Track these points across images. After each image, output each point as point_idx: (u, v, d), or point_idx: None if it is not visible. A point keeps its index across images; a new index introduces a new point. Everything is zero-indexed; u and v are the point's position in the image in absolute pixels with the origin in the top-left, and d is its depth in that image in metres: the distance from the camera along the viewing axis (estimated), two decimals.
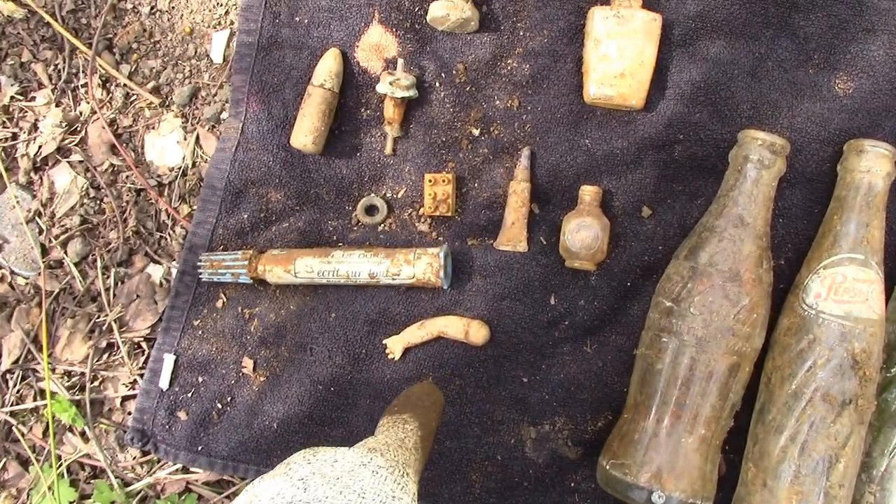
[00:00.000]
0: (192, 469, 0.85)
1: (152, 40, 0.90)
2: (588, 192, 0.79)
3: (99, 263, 0.87)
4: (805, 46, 0.80)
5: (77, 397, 0.87)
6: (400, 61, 0.82)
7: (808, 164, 0.78)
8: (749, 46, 0.80)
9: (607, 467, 0.72)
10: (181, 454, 0.83)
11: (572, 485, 0.78)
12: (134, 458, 0.86)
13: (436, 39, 0.83)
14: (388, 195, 0.84)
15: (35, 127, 0.90)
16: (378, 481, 0.54)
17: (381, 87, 0.81)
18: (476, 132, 0.83)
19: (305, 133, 0.81)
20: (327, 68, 0.82)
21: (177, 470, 0.85)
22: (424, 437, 0.63)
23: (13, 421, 0.87)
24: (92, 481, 0.87)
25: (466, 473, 0.79)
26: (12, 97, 0.91)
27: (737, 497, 0.73)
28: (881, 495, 0.71)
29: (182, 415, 0.84)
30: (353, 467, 0.54)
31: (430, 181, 0.81)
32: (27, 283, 0.89)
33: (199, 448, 0.83)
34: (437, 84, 0.83)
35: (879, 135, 0.78)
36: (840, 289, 0.71)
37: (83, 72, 0.91)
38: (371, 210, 0.84)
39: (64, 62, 0.91)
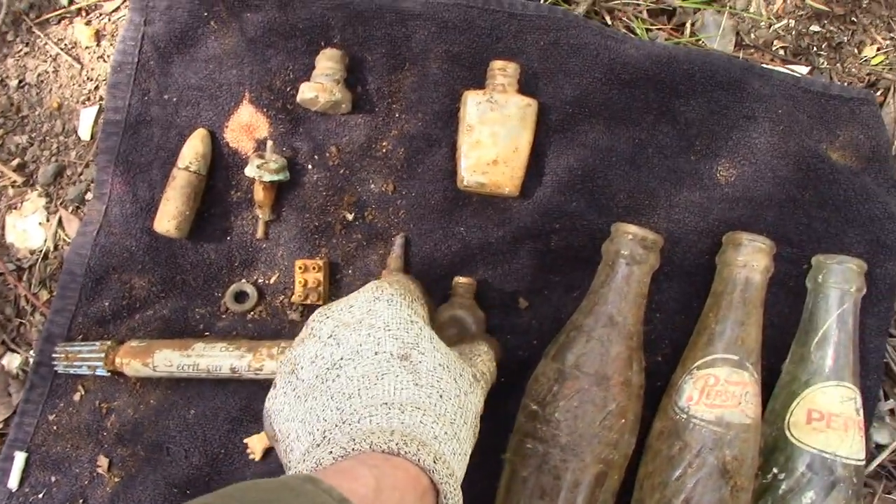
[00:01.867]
0: None
1: (20, 115, 0.86)
2: (461, 285, 0.76)
3: None
4: (686, 132, 0.78)
5: None
6: (269, 143, 0.78)
7: (687, 256, 0.76)
8: (629, 132, 0.78)
9: None
10: None
11: None
12: None
13: (308, 120, 0.80)
14: (259, 281, 0.80)
15: None
16: (394, 309, 0.58)
17: (250, 171, 0.77)
18: (350, 217, 0.79)
19: (169, 218, 0.77)
20: (193, 150, 0.78)
21: None
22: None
23: None
24: None
25: None
26: None
27: None
28: None
29: None
30: (370, 305, 0.58)
31: (300, 268, 0.78)
32: None
33: None
34: (310, 166, 0.80)
35: (761, 225, 0.76)
36: (712, 392, 0.68)
37: None
38: (241, 297, 0.80)
39: None
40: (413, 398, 0.54)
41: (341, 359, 0.56)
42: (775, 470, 0.69)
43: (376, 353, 0.55)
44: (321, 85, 0.77)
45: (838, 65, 0.86)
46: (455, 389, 0.57)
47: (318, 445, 0.52)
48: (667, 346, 0.75)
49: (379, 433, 0.49)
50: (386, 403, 0.53)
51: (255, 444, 0.76)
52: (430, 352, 0.57)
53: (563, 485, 0.66)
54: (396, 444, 0.49)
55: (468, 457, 0.57)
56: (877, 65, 0.85)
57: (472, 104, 0.75)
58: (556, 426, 0.67)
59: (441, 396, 0.55)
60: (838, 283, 0.71)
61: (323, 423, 0.53)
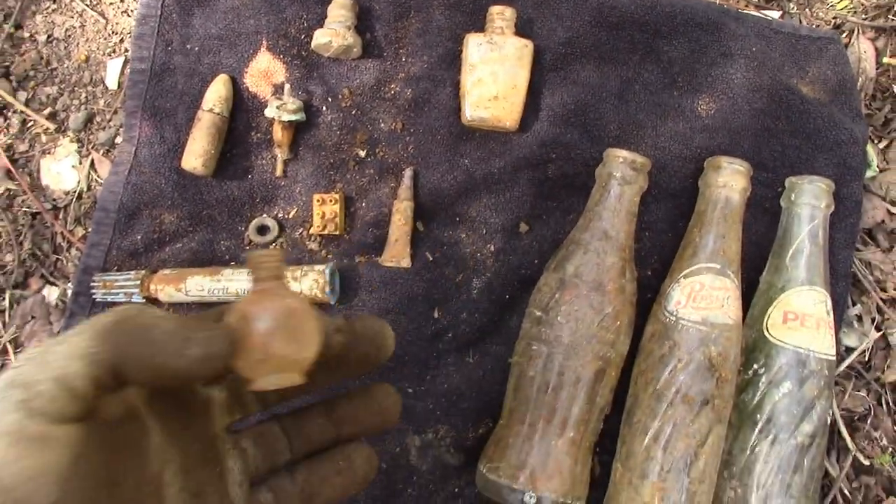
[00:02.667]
0: None
1: (49, 68, 0.92)
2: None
3: None
4: (669, 70, 0.85)
5: None
6: (287, 86, 0.85)
7: (672, 180, 0.83)
8: (617, 70, 0.85)
9: (484, 471, 0.75)
10: None
11: (455, 490, 0.81)
12: None
13: (322, 65, 0.87)
14: (279, 215, 0.87)
15: None
16: None
17: (270, 112, 0.84)
18: (362, 154, 0.86)
19: (196, 156, 0.84)
20: (217, 93, 0.85)
21: None
22: None
23: None
24: None
25: None
26: None
27: (607, 496, 0.76)
28: (742, 490, 0.75)
29: None
30: None
31: (318, 201, 0.84)
32: None
33: None
34: (324, 108, 0.86)
35: (738, 152, 0.83)
36: (698, 296, 0.75)
37: None
38: (262, 230, 0.87)
39: None
40: None
41: None
42: (755, 366, 0.77)
43: None
44: (334, 31, 0.83)
45: (807, 10, 0.93)
46: None
47: None
48: (655, 261, 0.83)
49: None
50: None
51: None
52: None
53: (567, 381, 0.74)
54: None
55: None
56: (842, 9, 0.93)
57: (474, 45, 0.82)
58: (558, 329, 0.74)
59: None
60: (809, 200, 0.79)
61: None
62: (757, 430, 0.75)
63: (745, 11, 0.89)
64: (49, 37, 0.93)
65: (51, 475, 0.29)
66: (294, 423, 0.45)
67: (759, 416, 0.75)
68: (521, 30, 0.84)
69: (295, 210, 0.87)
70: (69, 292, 0.88)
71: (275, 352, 0.36)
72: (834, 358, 0.77)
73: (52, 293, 0.89)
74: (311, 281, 0.81)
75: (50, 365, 0.30)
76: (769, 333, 0.77)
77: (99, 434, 0.32)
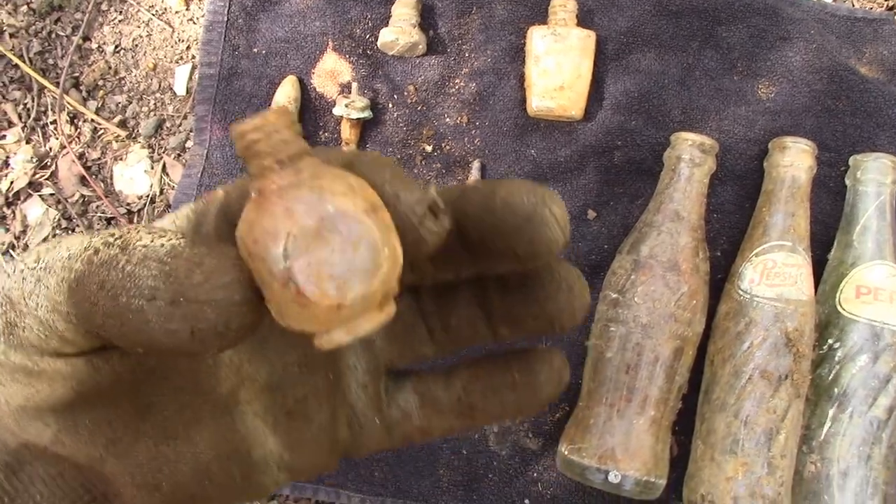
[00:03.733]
0: None
1: (117, 77, 0.95)
2: None
3: None
4: (729, 56, 0.87)
5: None
6: (354, 85, 0.87)
7: (737, 162, 0.85)
8: (677, 58, 0.87)
9: (566, 452, 0.76)
10: None
11: (535, 474, 0.82)
12: None
13: (387, 64, 0.89)
14: None
15: (6, 164, 0.94)
16: None
17: (338, 110, 0.86)
18: (429, 148, 0.88)
19: None
20: (286, 94, 0.87)
21: None
22: None
23: None
24: None
25: (434, 469, 0.82)
26: None
27: (688, 474, 0.77)
28: (821, 464, 0.75)
29: None
30: None
31: None
32: None
33: None
34: (390, 105, 0.88)
35: (800, 133, 0.84)
36: (771, 273, 0.77)
37: (52, 109, 0.95)
38: None
39: (33, 101, 0.95)
40: None
41: None
42: (830, 341, 0.78)
43: None
44: (400, 28, 0.85)
45: None
46: None
47: None
48: (724, 241, 0.84)
49: None
50: None
51: None
52: None
53: (645, 360, 0.75)
54: None
55: None
56: None
57: (538, 37, 0.84)
58: (636, 309, 0.76)
59: None
60: (875, 176, 0.80)
61: None
62: (834, 404, 0.76)
63: None
64: (117, 47, 0.95)
65: (44, 408, 0.25)
66: (435, 308, 0.32)
67: (835, 390, 0.76)
68: (583, 21, 0.86)
69: None
70: None
71: (319, 297, 0.21)
72: None
73: None
74: None
75: (34, 304, 0.24)
76: (842, 308, 0.78)
77: (121, 359, 0.25)
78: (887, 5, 0.94)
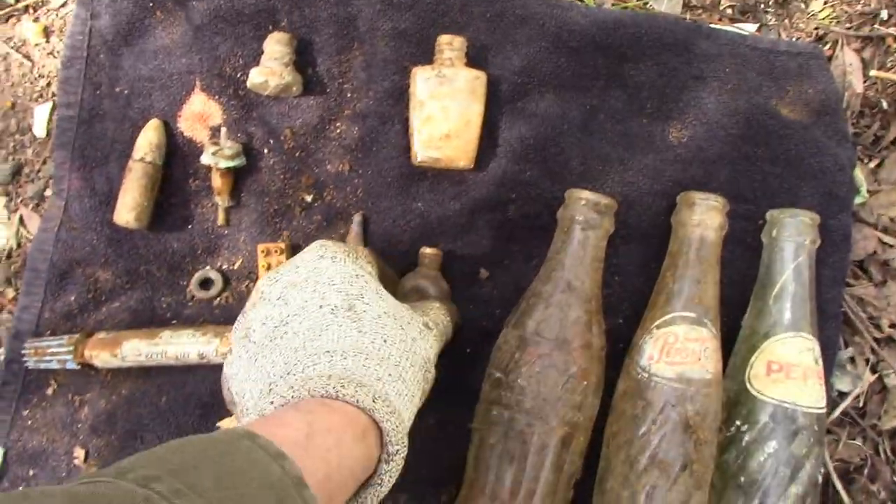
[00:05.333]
0: None
1: None
2: (427, 255, 0.76)
3: None
4: (637, 96, 0.79)
5: None
6: (223, 130, 0.79)
7: (642, 218, 0.77)
8: (579, 99, 0.78)
9: None
10: None
11: None
12: None
13: (261, 105, 0.80)
14: (223, 267, 0.81)
15: None
16: (339, 266, 0.59)
17: (206, 159, 0.77)
18: (309, 198, 0.80)
19: (128, 209, 0.78)
20: (147, 141, 0.79)
21: None
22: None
23: None
24: None
25: None
26: None
27: None
28: None
29: None
30: (315, 264, 0.60)
31: (263, 252, 0.78)
32: None
33: None
34: (266, 150, 0.80)
35: (714, 184, 0.77)
36: (672, 350, 0.69)
37: None
38: (206, 284, 0.80)
39: None
40: (356, 344, 0.55)
41: (289, 316, 0.57)
42: (738, 422, 0.70)
43: (321, 307, 0.57)
44: (270, 69, 0.77)
45: (786, 20, 0.86)
46: (401, 335, 0.58)
47: (263, 398, 0.53)
48: (627, 307, 0.76)
49: (317, 378, 0.50)
50: (328, 351, 0.54)
51: (228, 427, 0.77)
52: (376, 301, 0.58)
53: (531, 448, 0.67)
54: (334, 388, 0.49)
55: (417, 398, 0.58)
56: (824, 18, 0.86)
57: (422, 80, 0.75)
58: (520, 392, 0.68)
59: (385, 341, 0.56)
60: (792, 236, 0.72)
61: (269, 377, 0.54)
62: (742, 494, 0.69)
63: (717, 27, 0.82)
64: None
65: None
66: None
67: (742, 478, 0.69)
68: (474, 60, 0.77)
69: (240, 260, 0.80)
70: (2, 358, 0.82)
71: None
72: (824, 411, 0.71)
73: None
74: None
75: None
76: (752, 387, 0.70)
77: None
78: (816, 34, 0.85)
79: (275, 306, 0.58)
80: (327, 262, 0.59)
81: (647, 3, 0.85)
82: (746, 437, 0.70)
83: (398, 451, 0.51)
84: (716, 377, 0.69)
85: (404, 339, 0.58)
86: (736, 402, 0.71)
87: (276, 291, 0.59)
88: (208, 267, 0.81)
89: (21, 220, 0.84)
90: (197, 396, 0.78)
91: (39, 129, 0.85)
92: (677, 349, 0.69)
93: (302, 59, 0.80)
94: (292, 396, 0.50)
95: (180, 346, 0.76)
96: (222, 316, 0.79)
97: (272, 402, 0.50)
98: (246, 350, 0.58)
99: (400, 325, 0.58)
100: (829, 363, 0.76)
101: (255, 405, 0.53)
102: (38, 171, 0.85)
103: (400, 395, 0.54)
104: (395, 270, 0.77)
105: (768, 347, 0.71)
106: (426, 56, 0.78)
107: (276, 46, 0.78)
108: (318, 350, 0.54)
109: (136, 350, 0.76)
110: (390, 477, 0.51)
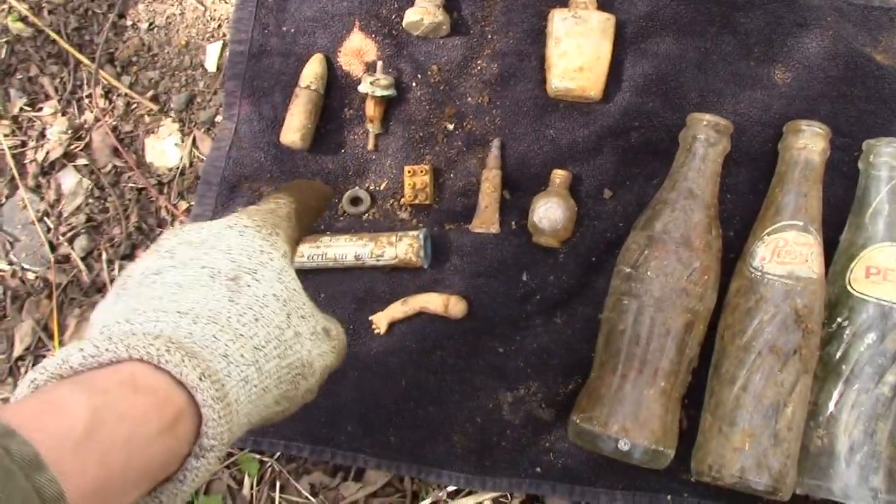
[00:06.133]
0: None
1: (150, 53, 0.98)
2: (558, 175, 0.86)
3: (104, 257, 0.94)
4: (746, 41, 0.89)
5: None
6: (379, 63, 0.90)
7: (752, 145, 0.86)
8: (695, 42, 0.89)
9: (577, 422, 0.78)
10: None
11: (546, 444, 0.84)
12: None
13: (411, 44, 0.91)
14: (370, 187, 0.91)
15: (42, 135, 0.97)
16: (245, 239, 0.53)
17: (363, 87, 0.88)
18: (451, 127, 0.90)
19: (294, 130, 0.89)
20: (313, 71, 0.90)
21: None
22: (299, 210, 0.61)
23: None
24: None
25: (449, 435, 0.85)
26: (21, 108, 0.98)
27: (697, 445, 0.79)
28: (828, 440, 0.77)
29: None
30: (220, 230, 0.54)
31: (409, 172, 0.89)
32: (37, 278, 0.95)
33: None
34: (414, 84, 0.91)
35: (815, 118, 0.85)
36: (782, 252, 0.78)
37: (87, 83, 0.98)
38: (356, 201, 0.91)
39: (69, 75, 0.98)
40: (216, 313, 0.47)
41: (166, 268, 0.50)
42: (839, 319, 0.79)
43: (203, 268, 0.50)
44: (425, 9, 0.88)
45: None
46: (282, 322, 0.51)
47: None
48: (737, 222, 0.86)
49: (143, 336, 0.42)
50: (180, 311, 0.46)
51: (381, 320, 0.87)
52: (270, 281, 0.52)
53: (657, 333, 0.77)
54: (157, 351, 0.41)
55: (271, 398, 0.50)
56: None
57: (559, 20, 0.86)
58: (649, 283, 0.78)
59: (257, 321, 0.49)
60: (887, 160, 0.82)
61: (112, 317, 0.47)
62: (842, 380, 0.77)
63: None
64: (151, 24, 0.99)
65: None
66: None
67: (843, 367, 0.78)
68: (603, 5, 0.88)
69: (386, 182, 0.91)
70: None
71: None
72: None
73: None
74: (405, 245, 0.85)
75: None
76: (852, 288, 0.79)
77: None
78: None
79: (161, 258, 0.51)
80: (231, 233, 0.53)
81: None
82: (847, 331, 0.78)
83: (214, 447, 0.42)
84: (820, 277, 0.78)
85: (284, 327, 0.51)
86: (837, 302, 0.80)
87: (168, 245, 0.52)
88: (357, 187, 0.91)
89: (194, 142, 0.96)
90: (352, 293, 0.88)
91: (211, 65, 0.97)
92: (787, 251, 0.78)
93: (449, 3, 0.91)
94: (107, 349, 0.41)
95: (339, 248, 0.86)
96: (371, 229, 0.90)
97: (82, 350, 0.41)
98: (115, 292, 0.50)
99: (287, 313, 0.52)
100: None
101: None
102: (209, 100, 0.96)
103: (246, 382, 0.46)
104: (526, 191, 0.88)
105: (867, 255, 0.80)
106: (560, 2, 0.89)
107: None
108: (171, 307, 0.46)
109: (300, 252, 0.87)
110: (197, 476, 0.42)
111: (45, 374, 0.40)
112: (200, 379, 0.41)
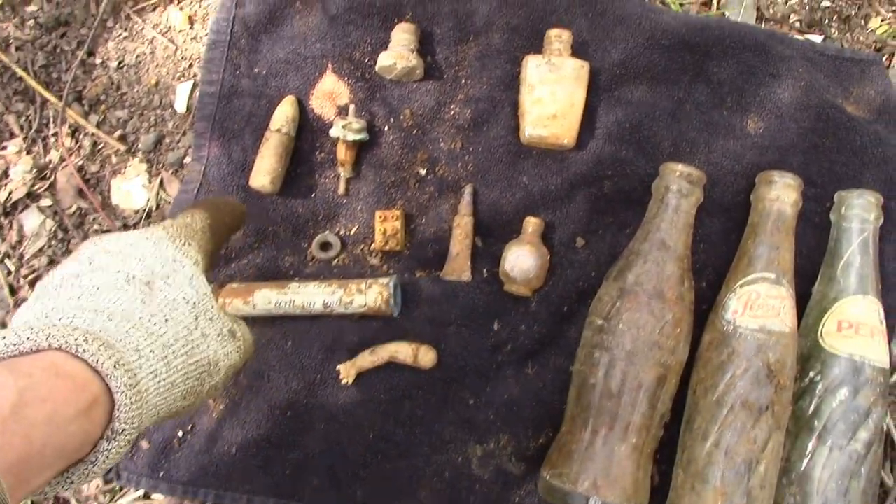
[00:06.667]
0: (153, 496, 0.88)
1: (119, 92, 0.97)
2: (531, 223, 0.85)
3: None
4: (719, 90, 0.89)
5: None
6: (351, 107, 0.89)
7: (725, 195, 0.86)
8: (669, 90, 0.88)
9: (547, 478, 0.77)
10: (143, 480, 0.86)
11: (516, 499, 0.83)
12: (97, 486, 0.89)
13: (384, 87, 0.90)
14: (341, 232, 0.90)
15: (6, 174, 0.95)
16: (159, 248, 0.57)
17: (335, 131, 0.87)
18: (423, 172, 0.89)
19: (264, 174, 0.87)
20: (284, 114, 0.89)
21: (139, 497, 0.88)
22: (213, 225, 0.65)
23: None
24: None
25: (416, 491, 0.83)
26: None
27: (669, 502, 0.78)
28: (801, 497, 0.76)
29: (144, 443, 0.87)
30: (136, 241, 0.57)
31: (380, 218, 0.87)
32: None
33: (161, 474, 0.86)
34: (387, 128, 0.90)
35: (787, 168, 0.85)
36: (755, 305, 0.78)
37: (53, 122, 0.96)
38: (325, 246, 0.90)
39: (35, 113, 0.96)
40: (129, 312, 0.51)
41: (85, 273, 0.53)
42: (811, 374, 0.79)
43: (118, 272, 0.53)
44: (398, 53, 0.87)
45: (847, 34, 0.97)
46: (190, 323, 0.55)
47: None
48: (710, 272, 0.85)
49: (62, 328, 0.45)
50: (96, 310, 0.50)
51: (349, 370, 0.85)
52: (181, 286, 0.56)
53: (628, 387, 0.76)
54: (76, 340, 0.45)
55: (178, 393, 0.53)
56: (882, 34, 0.96)
57: (533, 66, 0.86)
58: (621, 335, 0.77)
59: (167, 321, 0.53)
60: (859, 213, 0.82)
61: (32, 314, 0.50)
62: (814, 436, 0.77)
63: (789, 35, 0.93)
64: (120, 63, 0.97)
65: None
66: None
67: (816, 423, 0.77)
68: (577, 52, 0.88)
69: (357, 227, 0.90)
70: None
71: None
72: (888, 367, 0.79)
73: None
74: (375, 293, 0.84)
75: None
76: (824, 342, 0.79)
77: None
78: (875, 46, 0.96)
79: (80, 264, 0.54)
80: (147, 243, 0.57)
81: (724, 15, 0.96)
82: (819, 387, 0.78)
83: (125, 431, 0.46)
84: (792, 331, 0.78)
85: (192, 328, 0.55)
86: (809, 356, 0.80)
87: (88, 253, 0.55)
88: (328, 231, 0.90)
89: (161, 184, 0.94)
90: (320, 341, 0.87)
91: (180, 105, 0.95)
92: (759, 304, 0.78)
93: (423, 48, 0.90)
94: (28, 338, 0.44)
95: (307, 295, 0.85)
96: (340, 275, 0.88)
97: (4, 338, 0.44)
98: (35, 295, 0.53)
99: (195, 315, 0.55)
100: (890, 329, 0.84)
101: None
102: (178, 141, 0.95)
103: (155, 375, 0.50)
104: (498, 238, 0.87)
105: (839, 308, 0.80)
106: (535, 48, 0.88)
107: (402, 34, 0.88)
108: (89, 306, 0.50)
109: (267, 299, 0.85)
110: (107, 458, 0.45)
111: None
112: (115, 367, 0.45)
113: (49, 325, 0.46)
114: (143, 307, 0.52)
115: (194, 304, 0.56)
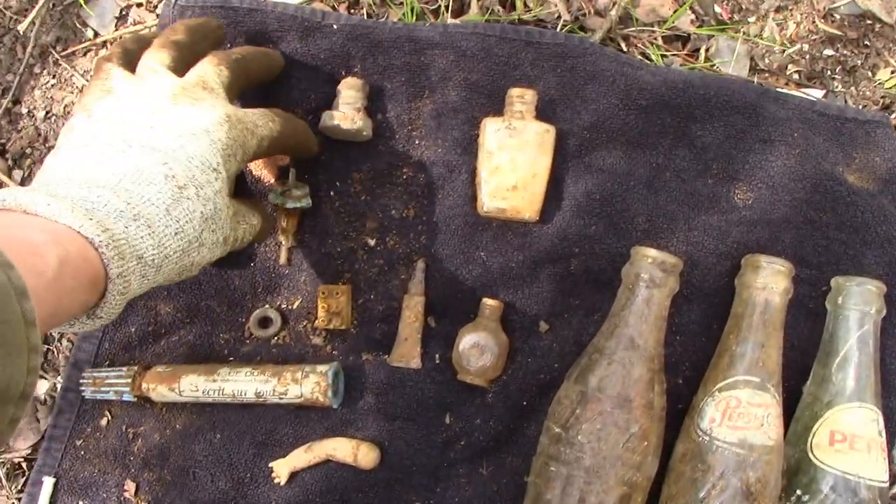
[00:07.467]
0: None
1: (47, 145, 0.88)
2: (488, 306, 0.76)
3: None
4: (703, 156, 0.79)
5: None
6: (292, 171, 0.80)
7: (706, 279, 0.77)
8: (646, 156, 0.79)
9: None
10: None
11: None
12: None
13: (330, 148, 0.81)
14: (282, 306, 0.81)
15: None
16: (211, 151, 0.61)
17: (273, 198, 0.78)
18: (372, 242, 0.80)
19: None
20: None
21: None
22: (281, 140, 0.71)
23: None
24: None
25: None
26: None
27: None
28: None
29: None
30: (198, 128, 0.61)
31: (322, 293, 0.79)
32: None
33: None
34: (332, 193, 0.81)
35: (779, 247, 0.76)
36: (734, 414, 0.68)
37: None
38: (265, 322, 0.81)
39: None
40: (152, 218, 0.55)
41: (133, 147, 0.58)
42: (798, 492, 0.69)
43: (164, 164, 0.58)
44: (343, 113, 0.78)
45: (852, 88, 0.87)
46: (195, 238, 0.59)
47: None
48: (687, 368, 0.76)
49: (95, 226, 0.50)
50: (129, 202, 0.54)
51: (282, 468, 0.77)
52: (204, 201, 0.59)
53: None
54: (101, 240, 0.50)
55: (149, 286, 0.58)
56: (891, 87, 0.86)
57: (491, 131, 0.76)
58: (579, 448, 0.68)
59: (176, 234, 0.57)
60: (858, 304, 0.72)
61: (52, 173, 0.57)
62: None
63: (785, 91, 0.83)
64: (48, 113, 0.89)
65: None
66: None
67: None
68: (543, 113, 0.78)
69: (299, 300, 0.81)
70: (59, 387, 0.82)
71: None
72: (886, 484, 0.70)
73: (41, 386, 0.84)
74: (312, 383, 0.75)
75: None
76: (814, 455, 0.70)
77: None
78: (883, 103, 0.85)
79: (139, 131, 0.60)
80: (205, 140, 0.61)
81: (714, 65, 0.86)
82: None
83: (108, 316, 0.54)
84: (777, 444, 0.69)
85: (194, 242, 0.59)
86: (797, 469, 0.70)
87: (140, 103, 0.61)
88: (267, 305, 0.81)
89: None
90: (251, 435, 0.78)
91: None
92: (740, 413, 0.68)
93: (373, 104, 0.81)
94: (65, 217, 0.49)
95: (238, 383, 0.76)
96: (279, 355, 0.80)
97: (49, 205, 0.50)
98: (81, 147, 0.59)
99: (202, 229, 0.60)
100: (892, 435, 0.74)
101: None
102: None
103: (145, 279, 0.56)
104: (453, 319, 0.78)
105: (832, 417, 0.70)
106: (496, 107, 0.79)
107: (348, 91, 0.79)
108: (124, 196, 0.55)
109: (194, 385, 0.77)
110: (88, 327, 0.54)
111: (13, 201, 0.50)
112: (119, 277, 0.52)
113: (86, 211, 0.51)
114: (165, 217, 0.56)
115: (207, 218, 0.60)
